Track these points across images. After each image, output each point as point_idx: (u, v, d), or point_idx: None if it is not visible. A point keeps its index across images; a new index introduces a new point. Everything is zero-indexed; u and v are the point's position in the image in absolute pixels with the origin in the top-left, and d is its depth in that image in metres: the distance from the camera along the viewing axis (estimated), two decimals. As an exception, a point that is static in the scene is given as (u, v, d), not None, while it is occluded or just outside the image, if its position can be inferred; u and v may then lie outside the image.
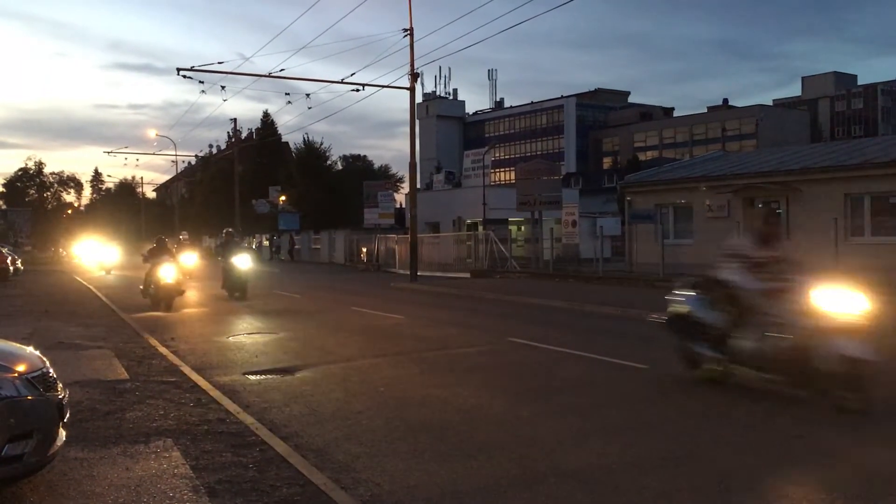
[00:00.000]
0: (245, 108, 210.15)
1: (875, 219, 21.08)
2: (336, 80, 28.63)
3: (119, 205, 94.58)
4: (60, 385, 5.16)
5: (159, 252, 18.37)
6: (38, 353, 5.35)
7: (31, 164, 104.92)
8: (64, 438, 5.08)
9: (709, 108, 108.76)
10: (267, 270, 37.19)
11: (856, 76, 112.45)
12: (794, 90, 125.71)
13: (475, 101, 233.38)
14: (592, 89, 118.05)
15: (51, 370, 5.11)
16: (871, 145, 25.33)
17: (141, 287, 18.70)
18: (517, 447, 6.19)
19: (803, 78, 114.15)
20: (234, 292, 20.04)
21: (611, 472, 5.51)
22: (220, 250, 21.66)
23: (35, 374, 4.89)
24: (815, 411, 7.02)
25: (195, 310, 18.01)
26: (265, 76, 28.82)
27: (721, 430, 6.69)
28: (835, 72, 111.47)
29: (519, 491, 5.15)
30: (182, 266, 20.42)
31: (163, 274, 17.52)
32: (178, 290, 17.92)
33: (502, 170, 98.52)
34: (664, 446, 6.16)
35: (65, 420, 5.12)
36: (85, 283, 28.79)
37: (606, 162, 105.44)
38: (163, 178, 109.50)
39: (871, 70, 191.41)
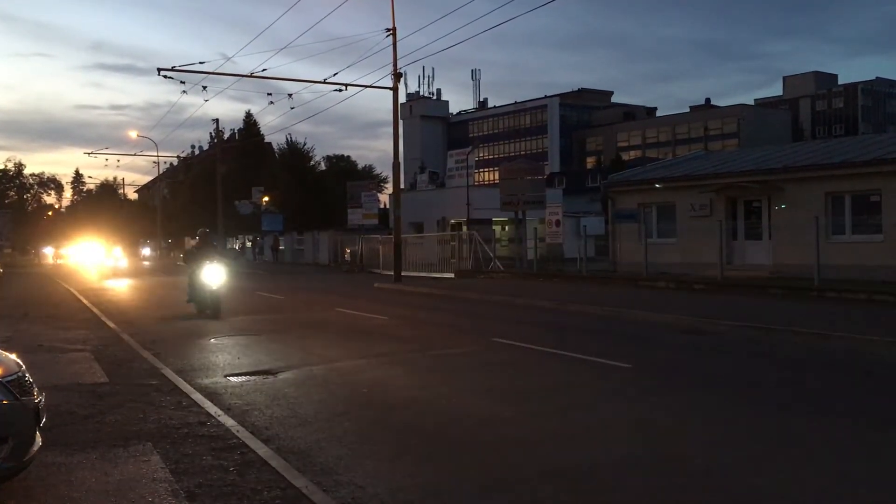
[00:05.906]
0: (227, 109, 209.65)
1: (856, 217, 21.23)
2: (319, 80, 28.49)
3: (100, 206, 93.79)
4: (37, 389, 5.09)
5: None
6: (14, 356, 5.27)
7: (10, 166, 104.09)
8: (40, 443, 5.01)
9: (691, 107, 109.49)
10: (250, 272, 37.03)
11: (836, 76, 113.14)
12: (776, 90, 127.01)
13: (459, 101, 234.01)
14: (576, 89, 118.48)
15: (27, 374, 5.04)
16: (852, 144, 25.52)
17: None
18: (501, 448, 6.17)
19: (784, 78, 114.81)
20: (204, 309, 16.78)
21: (595, 472, 5.50)
22: (190, 255, 18.07)
23: (10, 378, 4.81)
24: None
25: (179, 312, 17.86)
26: (247, 76, 28.52)
27: (703, 427, 6.71)
28: (815, 71, 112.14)
29: (503, 492, 5.13)
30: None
31: None
32: None
33: (486, 170, 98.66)
34: (648, 445, 6.16)
35: (41, 424, 5.05)
36: (65, 285, 28.51)
37: (590, 162, 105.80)
38: (144, 179, 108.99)
39: (851, 70, 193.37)
